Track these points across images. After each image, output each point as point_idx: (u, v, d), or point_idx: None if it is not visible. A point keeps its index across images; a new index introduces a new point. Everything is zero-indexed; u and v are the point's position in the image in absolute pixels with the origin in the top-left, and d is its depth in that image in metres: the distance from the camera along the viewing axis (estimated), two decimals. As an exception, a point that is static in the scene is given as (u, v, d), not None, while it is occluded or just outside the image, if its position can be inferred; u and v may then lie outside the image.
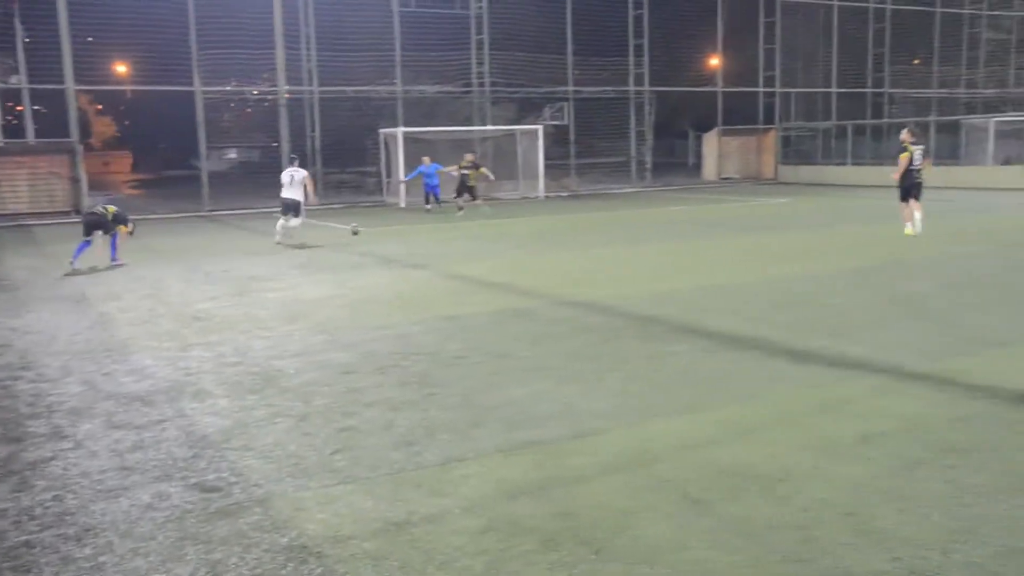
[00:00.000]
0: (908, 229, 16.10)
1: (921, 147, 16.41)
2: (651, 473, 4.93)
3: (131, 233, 15.16)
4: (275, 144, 30.37)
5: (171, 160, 57.40)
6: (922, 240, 15.50)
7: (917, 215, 16.03)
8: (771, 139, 39.27)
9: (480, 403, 6.33)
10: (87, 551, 4.14)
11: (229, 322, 9.67)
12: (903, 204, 16.37)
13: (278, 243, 17.33)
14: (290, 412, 6.24)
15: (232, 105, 34.02)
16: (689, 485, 4.73)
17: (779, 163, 38.92)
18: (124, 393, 6.86)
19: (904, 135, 16.46)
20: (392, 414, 6.13)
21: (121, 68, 33.90)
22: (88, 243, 14.62)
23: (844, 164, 36.91)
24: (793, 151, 40.25)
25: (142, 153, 61.95)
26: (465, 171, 23.90)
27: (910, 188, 16.15)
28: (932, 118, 38.24)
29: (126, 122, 63.71)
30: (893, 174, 16.52)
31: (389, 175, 29.56)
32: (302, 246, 17.01)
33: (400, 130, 28.46)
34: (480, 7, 32.20)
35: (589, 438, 5.54)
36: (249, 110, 37.28)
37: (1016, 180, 29.26)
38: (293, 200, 17.42)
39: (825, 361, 7.30)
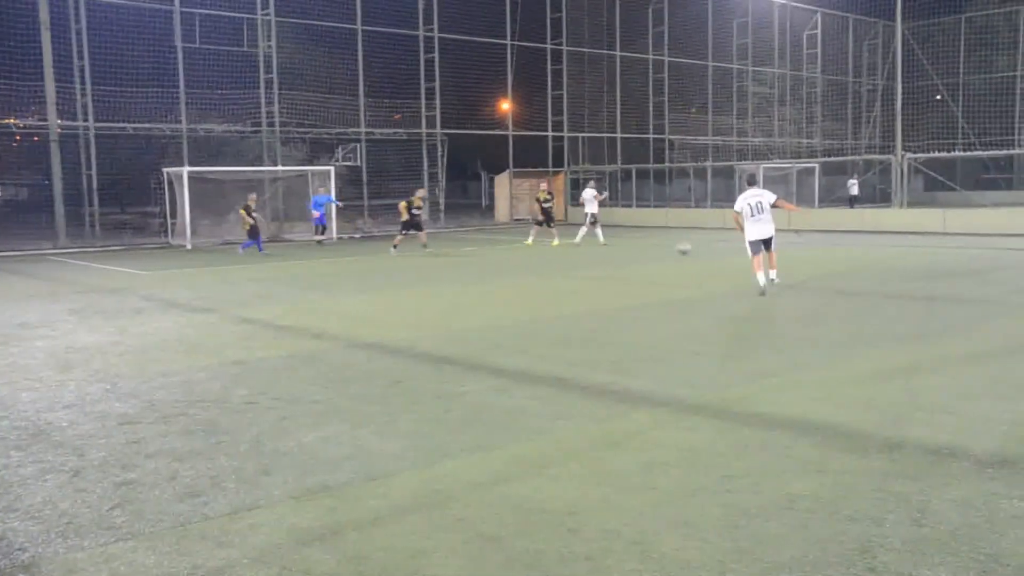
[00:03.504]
0: (554, 242, 25.32)
1: (551, 198, 26.98)
2: (444, 513, 4.95)
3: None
4: (46, 181, 28.51)
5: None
6: (693, 280, 16.50)
7: (554, 237, 25.70)
8: (560, 181, 40.68)
9: (270, 449, 6.16)
10: None
11: (-8, 373, 8.95)
12: (540, 227, 26.07)
13: (577, 244, 25.25)
14: (62, 467, 5.84)
15: (-5, 139, 31.67)
16: (481, 523, 4.78)
17: (568, 205, 40.34)
18: None
19: (542, 187, 26.92)
20: (176, 464, 5.86)
21: None
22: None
23: (630, 206, 38.81)
24: (582, 193, 41.82)
25: None
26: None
27: (545, 220, 25.87)
28: (709, 163, 40.91)
29: None
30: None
31: (174, 216, 28.40)
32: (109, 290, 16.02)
33: (185, 169, 27.43)
34: (268, 46, 31.69)
35: (382, 480, 5.50)
36: (15, 145, 34.80)
37: (782, 222, 31.66)
38: (593, 213, 25.63)
39: (610, 396, 7.59)
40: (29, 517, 4.97)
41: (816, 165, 39.92)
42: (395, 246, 23.18)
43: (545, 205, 25.51)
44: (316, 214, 28.03)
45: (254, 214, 24.43)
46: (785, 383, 8.05)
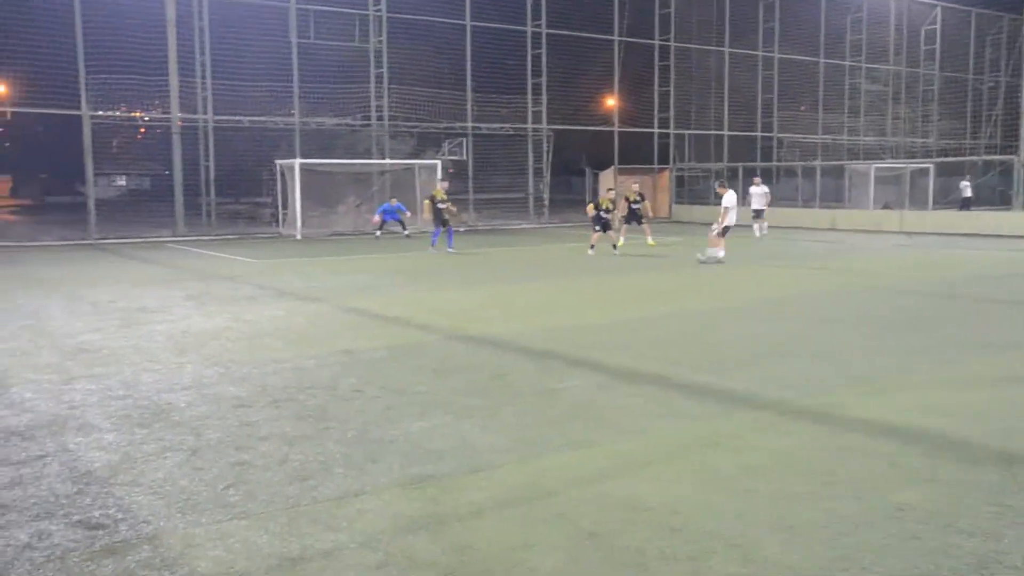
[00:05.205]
0: (619, 242, 23.08)
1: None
2: (546, 507, 5.00)
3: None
4: (167, 172, 29.67)
5: (55, 186, 55.45)
6: (794, 280, 16.16)
7: (622, 239, 23.55)
8: (666, 179, 40.28)
9: (376, 437, 6.32)
10: (-38, 593, 3.97)
11: (116, 354, 9.40)
12: (626, 226, 24.19)
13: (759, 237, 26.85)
14: (181, 446, 6.11)
15: (122, 131, 33.11)
16: (583, 518, 4.81)
17: (674, 202, 39.93)
18: (0, 428, 6.59)
19: (634, 187, 24.99)
20: (287, 448, 6.06)
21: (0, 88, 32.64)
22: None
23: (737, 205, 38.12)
24: (687, 191, 41.38)
25: (23, 177, 59.67)
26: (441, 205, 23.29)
27: (629, 218, 24.18)
28: (818, 162, 39.95)
29: (6, 144, 61.24)
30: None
31: (285, 207, 29.22)
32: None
33: (297, 161, 28.18)
34: (379, 41, 32.27)
35: (485, 472, 5.59)
36: (140, 137, 36.37)
37: (894, 224, 30.75)
38: (760, 209, 27.31)
39: (710, 397, 7.53)
40: (152, 492, 5.23)
41: (931, 166, 38.53)
42: (614, 246, 22.56)
43: (634, 206, 24.32)
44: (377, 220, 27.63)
45: (439, 204, 22.78)
46: (889, 388, 7.85)
